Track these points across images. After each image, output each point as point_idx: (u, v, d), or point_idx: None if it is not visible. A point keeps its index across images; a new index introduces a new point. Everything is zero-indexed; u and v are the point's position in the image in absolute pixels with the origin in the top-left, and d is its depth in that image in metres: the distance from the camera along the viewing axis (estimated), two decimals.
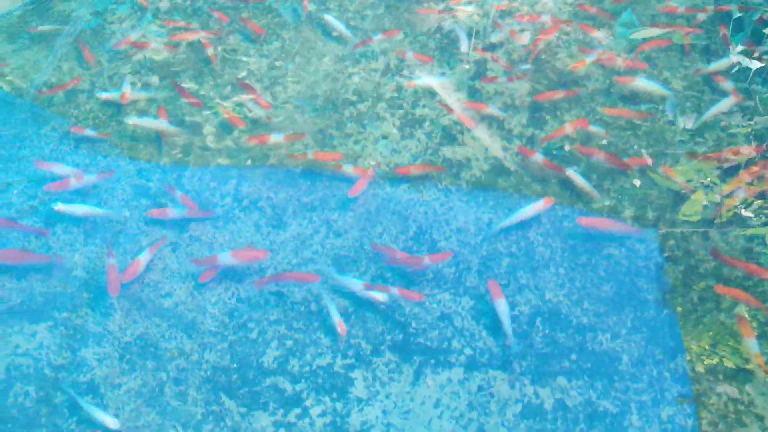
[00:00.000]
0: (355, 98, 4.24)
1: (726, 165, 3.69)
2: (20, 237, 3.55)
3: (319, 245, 3.51)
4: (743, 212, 3.55)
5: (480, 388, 3.03)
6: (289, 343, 3.18)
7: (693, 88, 4.21)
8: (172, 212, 3.59)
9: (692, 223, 3.50)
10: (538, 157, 3.85)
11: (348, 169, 3.79)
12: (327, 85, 4.33)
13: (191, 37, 4.61)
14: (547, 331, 3.21)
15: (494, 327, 3.22)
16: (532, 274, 3.42)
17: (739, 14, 4.20)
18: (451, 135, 4.03)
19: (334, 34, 4.65)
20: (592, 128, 3.95)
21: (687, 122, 3.91)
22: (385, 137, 4.03)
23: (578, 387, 3.03)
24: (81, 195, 3.70)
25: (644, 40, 4.39)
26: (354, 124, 4.10)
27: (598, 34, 4.52)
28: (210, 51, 4.48)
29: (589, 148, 3.85)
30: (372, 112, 4.16)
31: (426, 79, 4.31)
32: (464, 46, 4.49)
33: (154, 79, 4.37)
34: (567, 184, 3.74)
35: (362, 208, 3.67)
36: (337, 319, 3.16)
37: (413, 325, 3.23)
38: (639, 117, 4.02)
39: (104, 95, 4.27)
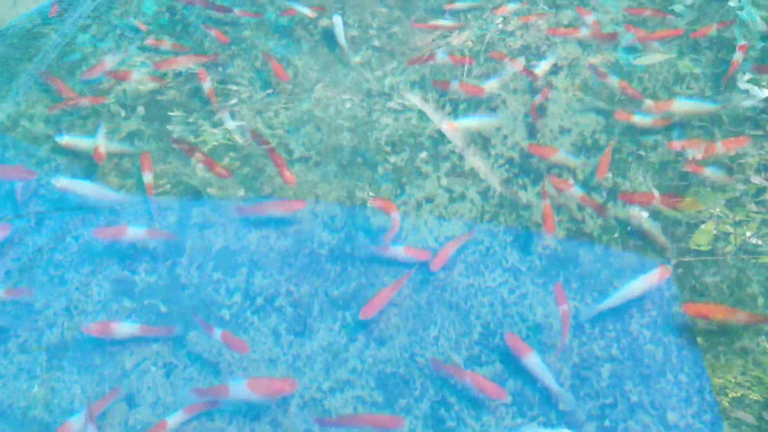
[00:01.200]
0: (388, 148, 3.38)
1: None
2: None
3: (357, 359, 2.68)
4: None
5: None
6: None
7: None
8: (117, 329, 2.70)
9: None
10: (574, 192, 3.07)
11: (395, 249, 2.93)
12: (352, 131, 3.47)
13: (182, 64, 3.66)
14: None
15: None
16: (645, 385, 2.57)
17: (744, 42, 3.61)
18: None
19: (356, 61, 3.76)
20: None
21: (697, 152, 3.20)
22: (429, 200, 3.18)
23: None
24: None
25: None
26: (389, 183, 3.25)
27: (596, 60, 3.68)
28: (207, 85, 3.52)
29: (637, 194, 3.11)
30: (411, 166, 3.31)
31: (473, 119, 3.46)
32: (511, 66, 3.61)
33: (139, 125, 3.48)
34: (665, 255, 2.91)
35: (409, 301, 2.83)
36: None
37: None
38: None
39: (65, 140, 3.27)
